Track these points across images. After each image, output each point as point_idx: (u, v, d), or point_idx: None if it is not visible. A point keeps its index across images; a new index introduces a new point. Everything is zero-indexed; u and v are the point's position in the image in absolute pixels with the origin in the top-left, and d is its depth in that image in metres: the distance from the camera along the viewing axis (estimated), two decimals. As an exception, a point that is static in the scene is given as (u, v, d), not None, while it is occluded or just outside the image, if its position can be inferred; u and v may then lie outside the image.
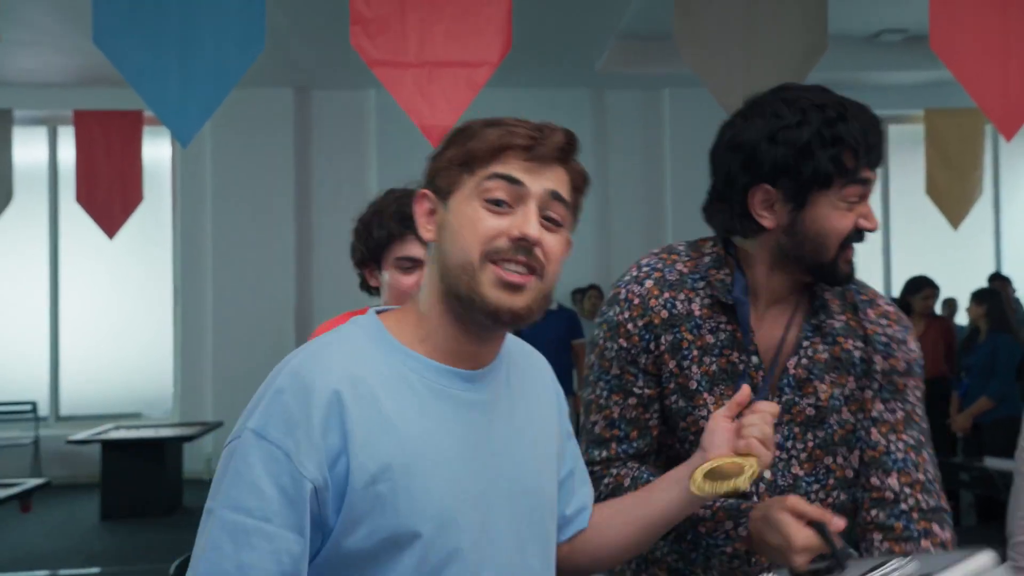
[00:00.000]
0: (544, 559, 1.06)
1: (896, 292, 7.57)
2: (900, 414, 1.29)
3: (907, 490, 1.24)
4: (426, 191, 1.03)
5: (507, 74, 2.86)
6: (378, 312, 1.05)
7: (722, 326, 1.27)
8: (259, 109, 6.90)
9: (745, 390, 1.11)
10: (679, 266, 1.30)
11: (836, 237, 1.23)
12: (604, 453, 1.28)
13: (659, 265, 1.31)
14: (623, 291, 1.29)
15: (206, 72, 2.72)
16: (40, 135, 7.47)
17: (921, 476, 1.25)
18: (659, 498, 1.12)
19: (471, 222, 0.97)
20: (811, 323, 1.29)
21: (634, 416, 1.28)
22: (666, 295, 1.28)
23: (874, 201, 7.86)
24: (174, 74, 2.71)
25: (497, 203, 0.97)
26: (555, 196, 0.99)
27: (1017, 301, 6.53)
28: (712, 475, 1.05)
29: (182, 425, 6.78)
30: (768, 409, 1.09)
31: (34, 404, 7.15)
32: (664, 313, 1.27)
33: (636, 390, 1.28)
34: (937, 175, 6.67)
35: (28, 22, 5.41)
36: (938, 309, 6.21)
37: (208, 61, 2.71)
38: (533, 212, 0.97)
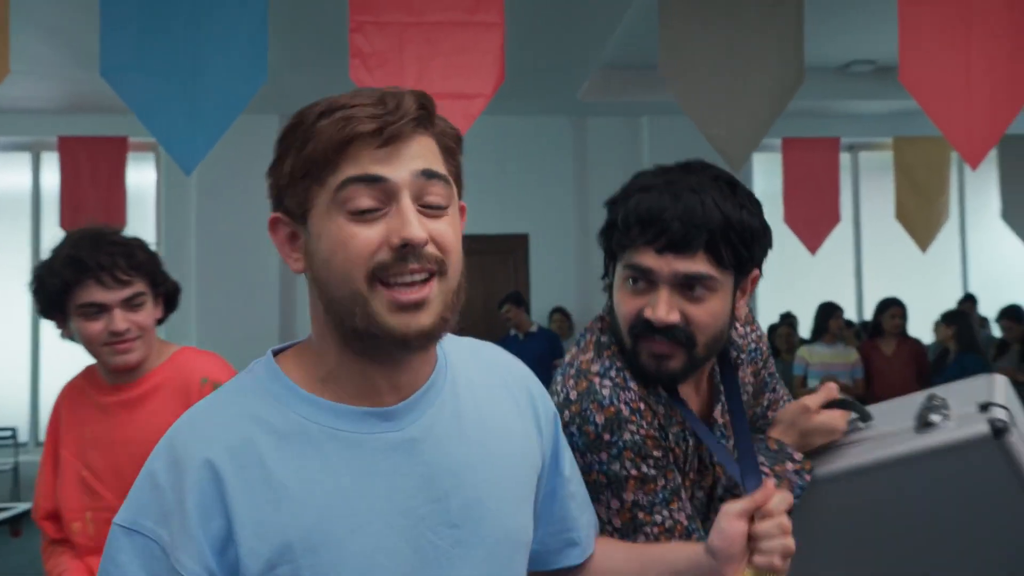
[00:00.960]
0: None
1: (868, 313, 7.78)
2: (781, 389, 1.40)
3: None
4: (278, 215, 0.85)
5: (494, 102, 2.98)
6: (275, 352, 0.87)
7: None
8: (244, 135, 6.93)
9: (768, 487, 0.98)
10: (619, 360, 1.18)
11: (623, 319, 1.15)
12: None
13: (617, 363, 1.17)
14: (622, 407, 1.12)
15: (210, 103, 2.81)
16: (24, 161, 7.48)
17: None
18: None
19: (341, 244, 0.78)
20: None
21: (693, 509, 1.19)
22: (644, 390, 1.16)
23: (845, 226, 8.04)
24: (179, 105, 2.80)
25: (362, 213, 0.78)
26: (428, 175, 0.81)
27: (985, 320, 6.74)
28: None
29: (165, 450, 6.77)
30: (782, 506, 0.96)
31: (14, 430, 7.11)
32: (661, 409, 1.17)
33: (680, 482, 1.17)
34: (906, 200, 6.89)
35: (19, 50, 5.46)
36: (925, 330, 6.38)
37: (212, 93, 2.81)
38: (409, 208, 0.79)
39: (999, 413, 0.95)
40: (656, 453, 1.12)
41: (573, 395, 1.14)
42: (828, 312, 5.76)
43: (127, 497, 0.77)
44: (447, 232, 0.81)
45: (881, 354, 5.44)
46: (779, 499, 0.96)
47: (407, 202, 0.79)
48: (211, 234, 7.27)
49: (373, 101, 0.80)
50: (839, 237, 7.34)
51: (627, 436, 1.10)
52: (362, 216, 0.79)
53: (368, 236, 0.78)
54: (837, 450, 1.20)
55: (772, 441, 1.23)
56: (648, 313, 1.11)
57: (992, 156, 6.94)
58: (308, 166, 0.80)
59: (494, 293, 7.50)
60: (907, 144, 6.95)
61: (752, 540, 0.94)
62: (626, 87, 6.77)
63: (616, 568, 1.05)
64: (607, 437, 1.10)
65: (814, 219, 6.60)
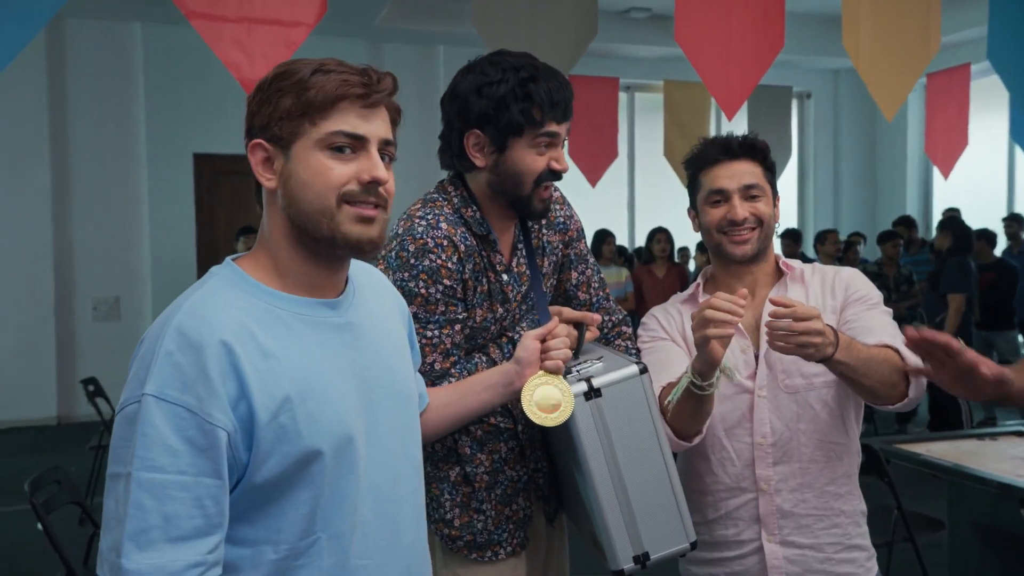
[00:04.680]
0: (418, 446, 1.21)
1: (640, 241, 8.62)
2: (588, 271, 1.74)
3: (606, 317, 1.72)
4: (260, 141, 1.05)
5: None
6: (233, 259, 1.10)
7: (482, 252, 1.55)
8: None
9: (555, 319, 1.43)
10: (447, 209, 1.53)
11: (530, 176, 1.52)
12: (448, 380, 1.49)
13: (437, 211, 1.51)
14: (427, 240, 1.46)
15: (14, 12, 2.69)
16: None
17: (609, 305, 1.75)
18: (475, 400, 1.41)
19: (321, 172, 1.04)
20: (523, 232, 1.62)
21: (459, 340, 1.53)
22: (460, 231, 1.50)
23: (621, 160, 8.66)
24: (-21, 12, 2.66)
25: (340, 150, 1.05)
26: (387, 142, 1.10)
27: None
28: (539, 401, 1.35)
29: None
30: (563, 331, 1.41)
31: None
32: (463, 247, 1.50)
33: (460, 317, 1.51)
34: (672, 139, 7.63)
35: None
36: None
37: (16, 2, 2.68)
38: (376, 156, 1.06)
39: (643, 364, 1.45)
40: (447, 282, 1.47)
41: (399, 229, 1.51)
42: (602, 238, 6.45)
43: (147, 371, 0.97)
44: (391, 182, 1.10)
45: (654, 276, 6.21)
46: (562, 327, 1.42)
47: (375, 152, 1.07)
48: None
49: (360, 72, 1.06)
50: (615, 170, 8.03)
51: (427, 263, 1.46)
52: (339, 153, 1.05)
53: (343, 170, 1.05)
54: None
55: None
56: (555, 165, 1.52)
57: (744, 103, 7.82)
58: (305, 108, 1.03)
59: (239, 215, 7.31)
60: (675, 87, 7.66)
61: (544, 352, 1.38)
62: (424, 16, 6.91)
63: (443, 401, 1.41)
64: (412, 261, 1.46)
65: (594, 154, 7.17)
